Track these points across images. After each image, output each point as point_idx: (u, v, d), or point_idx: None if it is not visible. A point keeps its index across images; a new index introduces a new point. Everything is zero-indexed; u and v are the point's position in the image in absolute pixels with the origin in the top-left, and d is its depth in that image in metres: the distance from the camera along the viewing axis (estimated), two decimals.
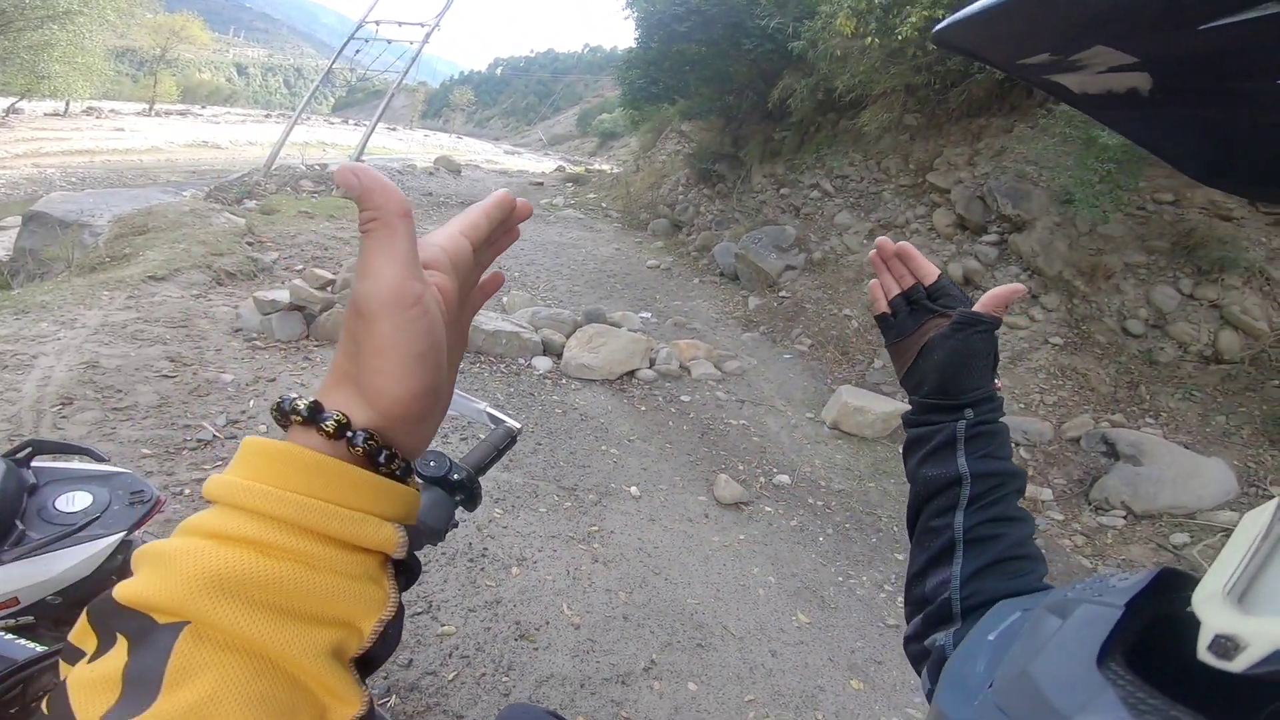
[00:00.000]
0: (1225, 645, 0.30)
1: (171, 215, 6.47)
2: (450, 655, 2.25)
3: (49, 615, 1.54)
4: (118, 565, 1.67)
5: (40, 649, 0.96)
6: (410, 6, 13.52)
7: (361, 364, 0.31)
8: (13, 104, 27.00)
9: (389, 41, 13.61)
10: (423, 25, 12.80)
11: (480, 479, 0.84)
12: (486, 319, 4.91)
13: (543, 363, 4.73)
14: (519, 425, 0.98)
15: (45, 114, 29.91)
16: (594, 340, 4.91)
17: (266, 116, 48.47)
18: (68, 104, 31.60)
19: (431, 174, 14.69)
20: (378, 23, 13.56)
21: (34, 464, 1.62)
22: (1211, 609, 0.33)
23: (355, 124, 46.33)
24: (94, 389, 3.40)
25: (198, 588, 0.25)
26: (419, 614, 2.40)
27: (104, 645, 0.26)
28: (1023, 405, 4.77)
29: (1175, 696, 0.36)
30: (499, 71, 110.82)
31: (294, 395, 0.32)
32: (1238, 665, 0.29)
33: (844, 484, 3.99)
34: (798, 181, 8.54)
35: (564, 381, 4.62)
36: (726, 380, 5.18)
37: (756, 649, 2.58)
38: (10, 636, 1.23)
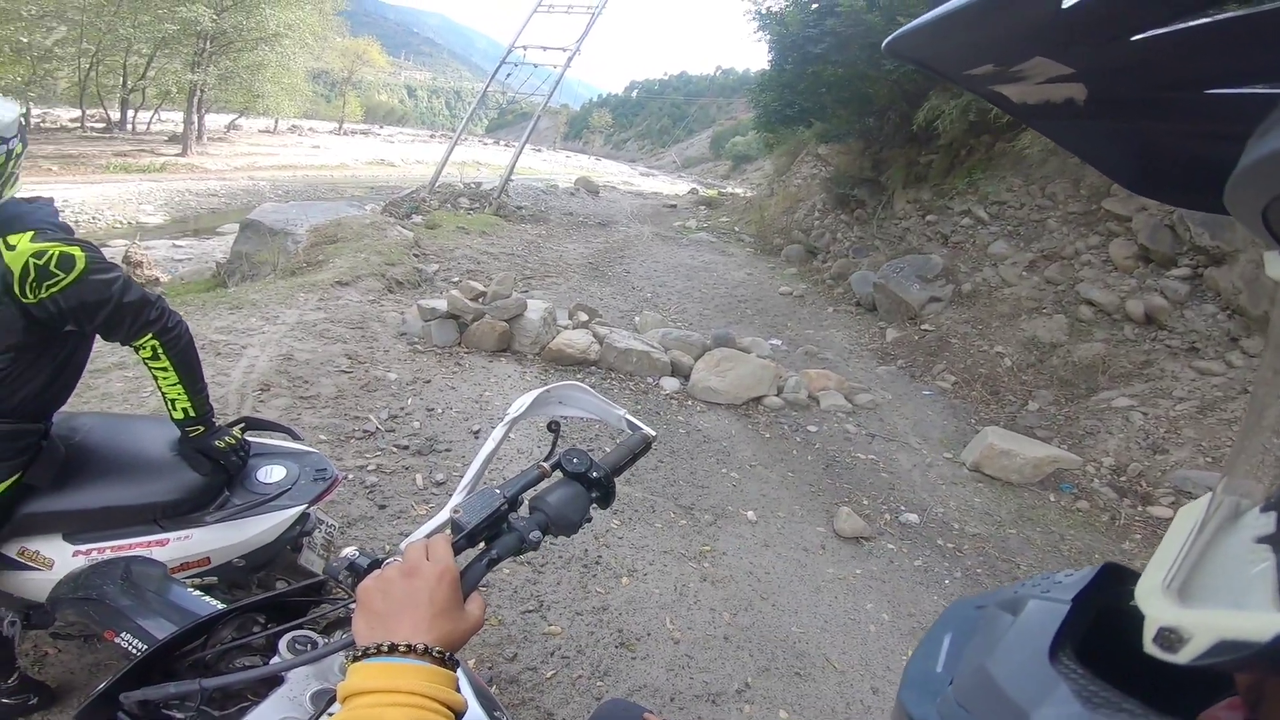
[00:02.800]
0: (1169, 638, 0.30)
1: (355, 227, 7.35)
2: (552, 654, 2.34)
3: (229, 576, 1.71)
4: (294, 535, 1.83)
5: (220, 606, 1.10)
6: (554, 32, 14.06)
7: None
8: (233, 120, 31.90)
9: (535, 66, 14.28)
10: (565, 50, 13.32)
11: (614, 483, 0.89)
12: (619, 337, 5.08)
13: (670, 383, 4.81)
14: (654, 433, 1.01)
15: (259, 130, 35.04)
16: (722, 364, 4.92)
17: (431, 136, 53.53)
18: (276, 122, 36.81)
19: (572, 194, 15.47)
20: (525, 48, 14.18)
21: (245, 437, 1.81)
22: (1154, 602, 0.33)
23: (506, 144, 49.89)
24: (287, 379, 3.92)
25: None
26: (530, 612, 2.51)
27: None
28: (1210, 460, 4.16)
29: (1125, 687, 0.36)
30: (634, 94, 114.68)
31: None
32: (1183, 657, 0.29)
33: (980, 528, 3.70)
34: (946, 208, 8.06)
35: (689, 403, 4.66)
36: (857, 413, 4.98)
37: (858, 685, 2.47)
38: (197, 592, 1.38)
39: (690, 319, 7.06)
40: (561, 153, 60.84)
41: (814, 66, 8.72)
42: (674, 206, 17.61)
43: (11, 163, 1.39)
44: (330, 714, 0.73)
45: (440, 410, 3.92)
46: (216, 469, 1.67)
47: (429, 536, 0.73)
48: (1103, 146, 0.46)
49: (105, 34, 20.99)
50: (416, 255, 7.15)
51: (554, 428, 0.94)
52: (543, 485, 0.85)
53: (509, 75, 14.37)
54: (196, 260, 10.43)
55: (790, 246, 10.95)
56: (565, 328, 5.31)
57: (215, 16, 21.79)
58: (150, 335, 1.51)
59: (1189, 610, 0.31)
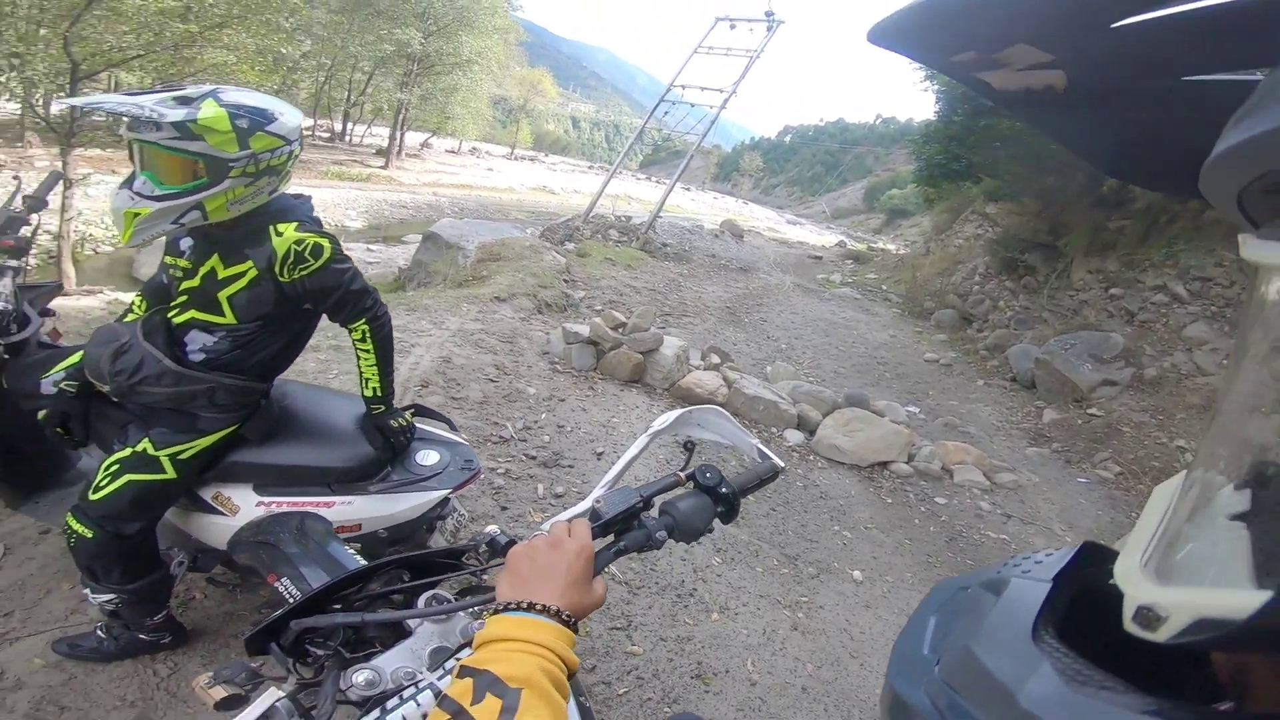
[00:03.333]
0: (1148, 616, 0.30)
1: (517, 248, 7.99)
2: (628, 673, 2.36)
3: (371, 545, 1.86)
4: (434, 516, 1.99)
5: (365, 563, 1.23)
6: (713, 72, 14.36)
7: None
8: (427, 139, 35.90)
9: (692, 105, 14.43)
10: (721, 91, 13.45)
11: (739, 503, 0.93)
12: (749, 384, 5.08)
13: (794, 436, 4.72)
14: (784, 465, 1.05)
15: (445, 150, 39.05)
16: (851, 424, 4.75)
17: (590, 168, 56.66)
18: (460, 143, 40.91)
19: (717, 236, 15.58)
20: (684, 87, 14.41)
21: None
22: (1132, 581, 0.33)
23: (657, 181, 51.67)
24: (443, 379, 4.34)
25: (538, 671, 0.58)
26: (617, 629, 2.54)
27: (479, 697, 0.54)
28: None
29: (1106, 664, 0.35)
30: (788, 139, 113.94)
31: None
32: (1161, 635, 0.29)
33: None
34: (1136, 281, 7.23)
35: (811, 458, 4.55)
36: (995, 491, 4.58)
37: None
38: (351, 550, 1.58)
39: (824, 375, 6.87)
40: (710, 193, 61.92)
41: (987, 119, 8.28)
42: (819, 258, 17.27)
43: (291, 162, 1.63)
44: (447, 667, 0.82)
45: (569, 429, 4.13)
46: (386, 446, 1.87)
47: (571, 520, 0.80)
48: (1083, 133, 0.46)
49: (339, 49, 24.16)
50: (566, 280, 7.62)
51: (689, 446, 1.01)
52: (675, 492, 0.92)
53: (666, 113, 14.69)
54: (384, 264, 11.83)
55: (942, 311, 10.31)
56: (697, 368, 5.40)
57: (423, 40, 24.66)
58: (364, 320, 1.77)
59: (1166, 589, 0.30)
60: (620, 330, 5.18)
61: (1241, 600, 0.26)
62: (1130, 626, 0.31)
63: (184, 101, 1.45)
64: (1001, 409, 6.68)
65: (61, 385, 1.76)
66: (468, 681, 0.56)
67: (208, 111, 1.45)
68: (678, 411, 1.07)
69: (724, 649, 2.60)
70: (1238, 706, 0.35)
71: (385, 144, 29.54)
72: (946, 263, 12.06)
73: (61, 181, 2.13)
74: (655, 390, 5.04)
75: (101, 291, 8.39)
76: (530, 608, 0.64)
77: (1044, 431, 6.01)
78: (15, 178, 1.76)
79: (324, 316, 1.81)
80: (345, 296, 1.70)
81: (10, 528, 2.33)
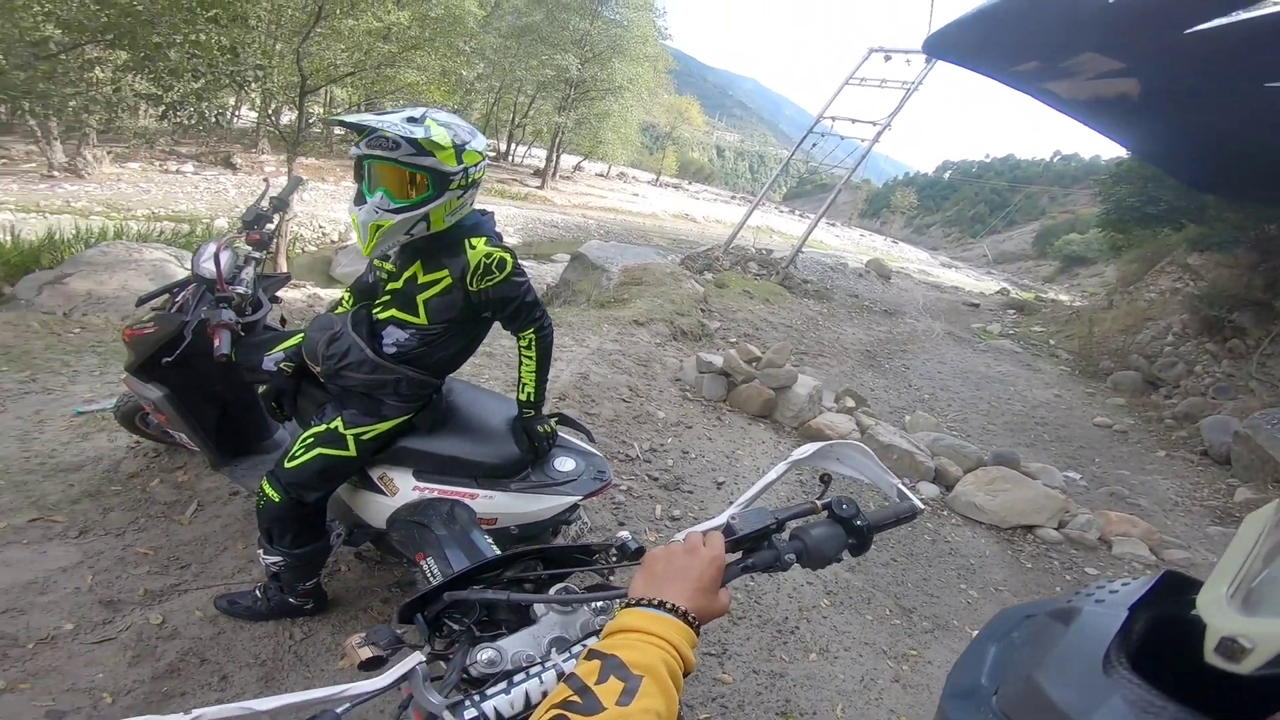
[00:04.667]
0: (1232, 647, 0.30)
1: (658, 274, 8.23)
2: (714, 700, 2.33)
3: (502, 540, 1.96)
4: (562, 520, 2.09)
5: (499, 552, 1.32)
6: (865, 104, 13.91)
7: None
8: (578, 163, 37.84)
9: (842, 138, 13.84)
10: (875, 124, 12.84)
11: (872, 538, 0.92)
12: (884, 431, 4.85)
13: (928, 489, 4.44)
14: (924, 508, 1.02)
15: (595, 174, 40.83)
16: (996, 484, 4.37)
17: (732, 198, 56.60)
18: (609, 167, 42.64)
19: (861, 275, 14.91)
20: (833, 119, 13.85)
21: None
22: (1217, 611, 0.32)
23: (801, 215, 50.54)
24: (579, 394, 4.58)
25: (660, 663, 0.63)
26: (710, 655, 2.51)
27: (604, 678, 0.59)
28: None
29: (1181, 699, 0.33)
30: (946, 175, 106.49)
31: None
32: (1246, 667, 0.29)
33: None
34: None
35: (945, 513, 4.25)
36: (1160, 569, 4.00)
37: None
38: (489, 539, 1.72)
39: (970, 430, 6.37)
40: (856, 230, 59.53)
41: None
42: (976, 305, 15.99)
43: (482, 176, 1.78)
44: (573, 652, 0.89)
45: (694, 455, 4.19)
46: (530, 448, 2.00)
47: (706, 532, 0.84)
48: (1160, 142, 0.44)
49: (507, 73, 26.24)
50: (703, 310, 7.73)
51: (826, 479, 1.02)
52: (809, 519, 0.94)
53: (813, 145, 14.24)
54: (533, 280, 12.59)
55: (1123, 372, 9.18)
56: (830, 409, 5.25)
57: (579, 66, 26.28)
58: (533, 330, 1.94)
59: (1253, 620, 0.29)
60: (754, 364, 5.18)
61: None
62: (1212, 658, 0.31)
63: (414, 121, 1.63)
64: (1184, 483, 5.81)
65: (281, 365, 2.06)
66: (595, 663, 0.61)
67: (435, 130, 1.62)
68: (820, 444, 1.09)
69: (816, 690, 2.51)
70: None
71: (542, 165, 31.48)
72: (1133, 319, 10.70)
73: (301, 186, 2.52)
74: (784, 428, 4.97)
75: (304, 286, 9.69)
76: (660, 605, 0.69)
77: (1233, 511, 5.20)
78: (264, 180, 2.08)
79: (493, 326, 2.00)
80: (520, 307, 1.88)
81: (207, 485, 2.70)
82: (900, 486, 1.07)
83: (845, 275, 14.29)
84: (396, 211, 1.68)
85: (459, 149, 1.67)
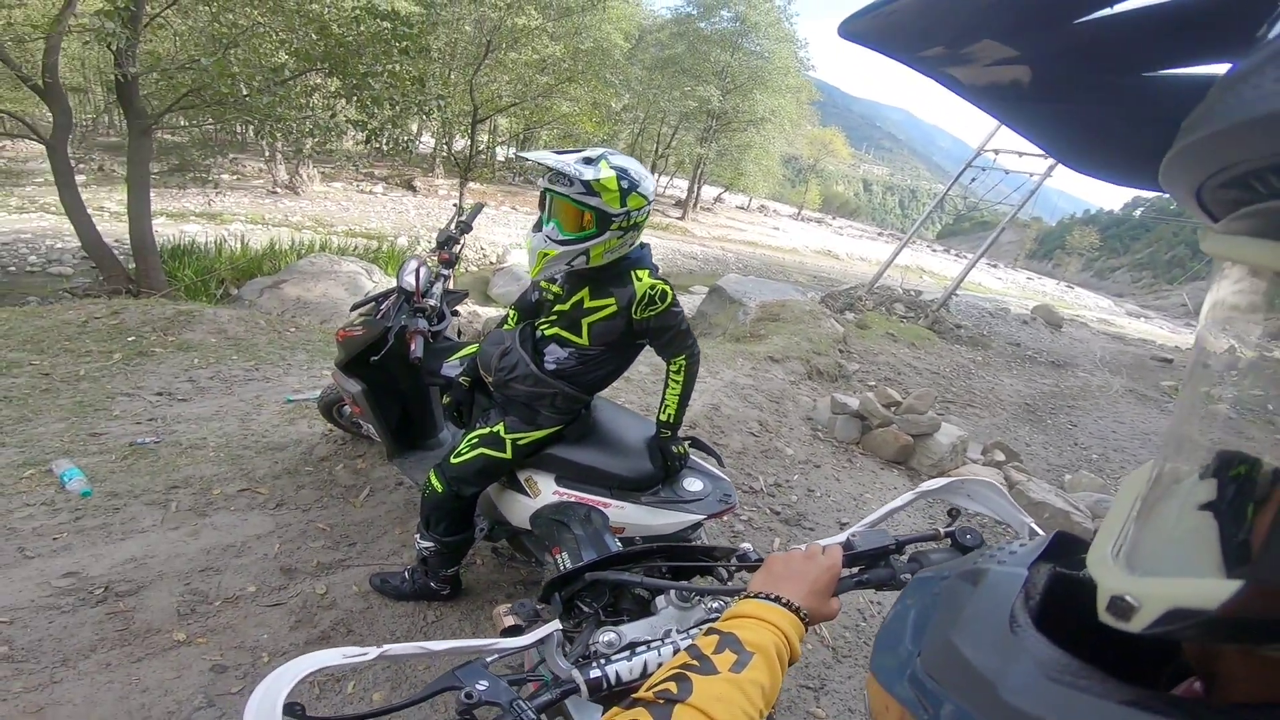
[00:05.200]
0: (1121, 606, 0.30)
1: (796, 311, 8.08)
2: None
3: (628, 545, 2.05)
4: (685, 536, 2.14)
5: (621, 549, 1.39)
6: None
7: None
8: (719, 194, 38.05)
9: (1006, 172, 12.85)
10: (1046, 157, 11.83)
11: None
12: (1036, 488, 4.40)
13: None
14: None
15: (735, 206, 40.82)
16: None
17: (879, 235, 54.02)
18: (749, 200, 42.42)
19: (1025, 322, 13.54)
20: (996, 151, 12.85)
21: None
22: (1104, 571, 0.33)
23: (957, 255, 47.13)
24: (710, 424, 4.62)
25: (770, 645, 0.68)
26: (807, 689, 2.42)
27: (720, 650, 0.66)
28: None
29: (1083, 652, 0.35)
30: (1137, 213, 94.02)
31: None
32: (1135, 625, 0.29)
33: None
34: None
35: None
36: None
37: None
38: (618, 542, 1.81)
39: None
40: (1023, 273, 54.29)
41: None
42: (1169, 361, 13.95)
43: (645, 219, 1.88)
44: (692, 634, 0.96)
45: (819, 494, 4.06)
46: (663, 466, 2.09)
47: (827, 545, 0.89)
48: (1047, 127, 0.45)
49: (651, 104, 27.10)
50: (842, 350, 7.48)
51: (954, 513, 1.02)
52: (931, 546, 0.95)
53: (973, 180, 13.38)
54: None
55: None
56: (975, 461, 4.84)
57: (721, 97, 26.55)
58: (684, 356, 2.03)
59: (1139, 578, 0.30)
60: (893, 409, 4.92)
61: (1212, 590, 0.27)
62: (1104, 616, 0.31)
63: (589, 162, 1.74)
64: None
65: (459, 378, 2.32)
66: (714, 638, 0.68)
67: (605, 173, 1.74)
68: (951, 478, 1.09)
69: None
70: (1208, 693, 0.34)
71: (683, 196, 32.15)
72: None
73: (481, 210, 2.82)
74: (920, 475, 4.65)
75: (466, 303, 10.67)
76: (777, 599, 0.75)
77: None
78: (455, 205, 2.32)
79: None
80: (675, 336, 1.99)
81: (380, 474, 3.02)
82: (1033, 526, 1.05)
83: (1006, 321, 13.11)
84: (562, 243, 1.85)
85: (625, 193, 1.79)
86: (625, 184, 1.79)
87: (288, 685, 0.77)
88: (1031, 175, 12.31)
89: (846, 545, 0.92)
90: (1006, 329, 12.25)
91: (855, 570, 0.91)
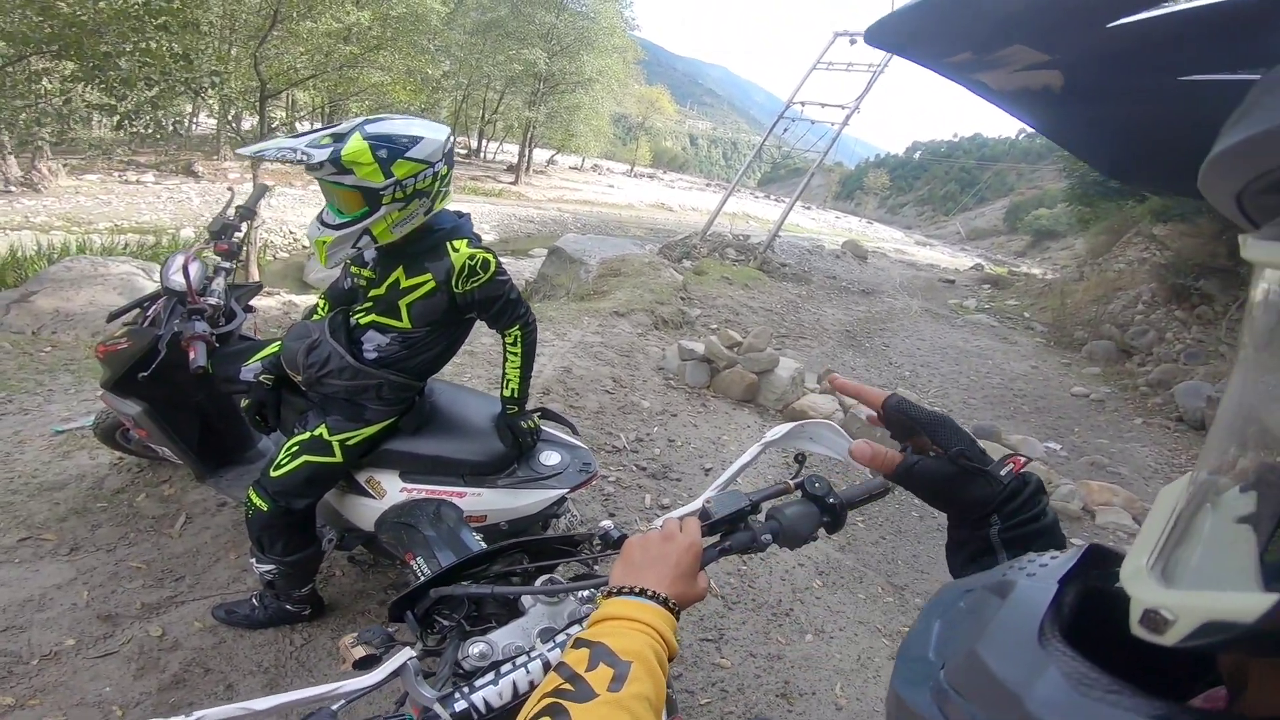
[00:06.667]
0: (1155, 619, 0.29)
1: (636, 265, 8.22)
2: (713, 685, 2.37)
3: (492, 536, 1.96)
4: (551, 513, 2.11)
5: (485, 547, 1.35)
6: (834, 89, 14.16)
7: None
8: (551, 156, 37.42)
9: (812, 122, 13.90)
10: (843, 107, 12.90)
11: (845, 515, 0.94)
12: (865, 410, 4.94)
13: None
14: (893, 484, 1.08)
15: (569, 167, 40.42)
16: None
17: (707, 185, 56.43)
18: (583, 160, 42.22)
19: (838, 257, 15.01)
20: (803, 104, 13.85)
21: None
22: (1138, 584, 0.32)
23: (776, 199, 50.47)
24: (563, 388, 4.59)
25: (646, 648, 0.64)
26: (707, 640, 2.56)
27: (594, 665, 0.61)
28: None
29: (1113, 667, 0.35)
30: (917, 156, 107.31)
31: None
32: (1169, 639, 0.29)
33: None
34: None
35: None
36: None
37: None
38: (477, 536, 1.71)
39: (951, 405, 6.49)
40: (831, 213, 59.76)
41: None
42: (951, 282, 16.23)
43: (439, 183, 1.74)
44: (558, 641, 0.92)
45: (680, 443, 4.23)
46: (515, 444, 2.03)
47: (682, 517, 0.86)
48: (1079, 132, 0.45)
49: (474, 69, 25.79)
50: (683, 298, 7.76)
51: (800, 459, 1.04)
52: (784, 499, 0.95)
53: (785, 130, 14.29)
54: (512, 277, 12.54)
55: (1097, 342, 9.40)
56: (812, 391, 5.31)
57: (548, 60, 25.94)
58: (518, 327, 1.96)
59: (1173, 591, 0.30)
60: (735, 349, 5.22)
61: (1249, 603, 0.26)
62: (1137, 630, 0.31)
63: (336, 139, 1.61)
64: (1162, 450, 5.98)
65: (260, 378, 2.06)
66: (584, 651, 0.63)
67: (352, 146, 1.59)
68: (791, 424, 1.11)
69: (814, 671, 2.57)
70: (1236, 706, 0.35)
71: (515, 161, 31.14)
72: (1103, 289, 10.96)
73: (266, 193, 2.49)
74: (768, 411, 5.02)
75: (278, 293, 9.54)
76: (641, 592, 0.71)
77: None
78: (229, 189, 2.05)
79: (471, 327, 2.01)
80: (505, 306, 1.90)
81: (193, 498, 2.69)
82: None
83: (822, 257, 14.40)
84: (337, 228, 1.69)
85: (385, 162, 1.62)
86: (383, 153, 1.62)
87: None
88: (832, 124, 13.41)
89: (703, 515, 0.90)
90: (823, 264, 13.47)
91: (716, 539, 0.89)
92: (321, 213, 1.77)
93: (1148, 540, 0.35)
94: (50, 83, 7.02)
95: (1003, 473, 0.66)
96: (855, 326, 9.13)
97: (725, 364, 5.12)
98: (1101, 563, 0.47)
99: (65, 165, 16.09)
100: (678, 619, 0.72)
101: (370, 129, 1.64)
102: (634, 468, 3.79)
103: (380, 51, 14.21)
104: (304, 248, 14.47)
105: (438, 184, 1.75)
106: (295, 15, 12.51)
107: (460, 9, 25.56)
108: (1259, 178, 0.30)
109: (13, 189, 14.49)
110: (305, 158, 1.57)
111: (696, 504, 0.95)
